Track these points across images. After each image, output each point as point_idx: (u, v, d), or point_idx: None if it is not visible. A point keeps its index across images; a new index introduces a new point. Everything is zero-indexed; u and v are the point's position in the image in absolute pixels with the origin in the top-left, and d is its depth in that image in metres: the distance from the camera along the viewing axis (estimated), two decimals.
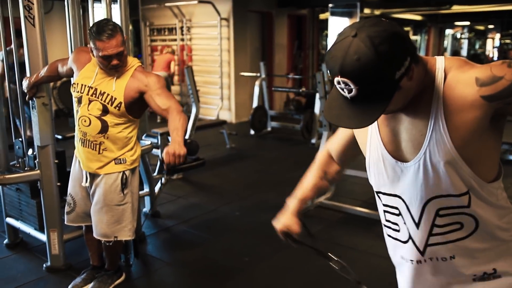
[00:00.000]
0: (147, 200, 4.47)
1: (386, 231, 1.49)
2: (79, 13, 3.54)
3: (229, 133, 7.48)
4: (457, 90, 1.24)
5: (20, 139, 3.51)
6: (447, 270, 1.39)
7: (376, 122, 1.35)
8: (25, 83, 3.10)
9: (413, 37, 18.55)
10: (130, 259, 3.46)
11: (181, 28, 10.06)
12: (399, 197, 1.38)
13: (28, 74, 3.11)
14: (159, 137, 5.08)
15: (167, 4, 9.83)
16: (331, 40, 10.11)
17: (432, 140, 1.26)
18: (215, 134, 7.84)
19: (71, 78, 2.92)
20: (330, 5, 9.72)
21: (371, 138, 1.40)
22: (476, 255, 1.36)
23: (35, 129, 3.18)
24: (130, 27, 4.05)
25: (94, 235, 2.92)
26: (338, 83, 1.17)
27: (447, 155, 1.25)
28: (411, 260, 1.42)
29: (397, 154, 1.34)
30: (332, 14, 9.87)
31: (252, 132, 8.38)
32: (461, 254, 1.36)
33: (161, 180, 4.57)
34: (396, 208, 1.40)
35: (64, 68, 3.00)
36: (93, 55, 2.70)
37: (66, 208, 3.01)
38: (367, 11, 10.20)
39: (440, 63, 1.28)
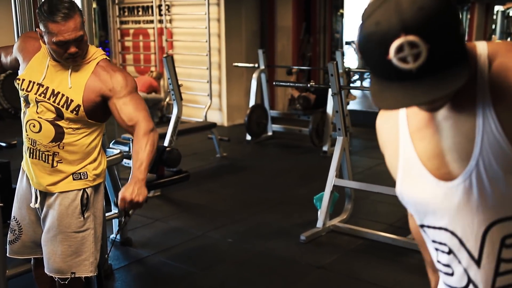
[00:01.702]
0: (115, 223, 4.45)
1: (441, 277, 1.43)
2: None
3: (219, 139, 7.47)
4: (509, 80, 1.21)
5: None
6: None
7: (408, 136, 1.33)
8: None
9: None
10: None
11: (159, 6, 10.08)
12: (446, 229, 1.32)
13: None
14: (131, 144, 5.06)
15: None
16: (348, 21, 10.13)
17: (485, 146, 1.22)
18: (202, 140, 7.85)
19: (18, 71, 2.90)
20: None
21: (404, 157, 1.36)
22: None
23: None
24: (94, 6, 4.03)
25: (46, 270, 2.87)
26: (399, 50, 1.10)
27: (507, 163, 1.21)
28: None
29: (441, 172, 1.29)
30: None
31: (248, 137, 8.38)
32: None
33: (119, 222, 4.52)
34: (445, 244, 1.34)
35: (8, 59, 2.97)
36: (44, 42, 2.67)
37: (9, 236, 2.97)
38: None
39: (482, 48, 1.25)
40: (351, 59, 10.03)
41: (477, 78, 1.23)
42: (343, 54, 9.02)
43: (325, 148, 7.61)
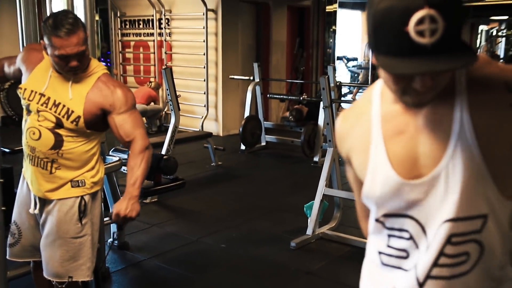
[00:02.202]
0: (113, 228, 4.44)
1: (381, 259, 1.47)
2: (33, 1, 3.53)
3: (215, 148, 7.46)
4: (484, 92, 1.27)
5: None
6: None
7: (381, 140, 1.35)
8: None
9: None
10: None
11: (159, 20, 10.09)
12: (412, 217, 1.36)
13: None
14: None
15: None
16: (340, 37, 10.16)
17: (457, 150, 1.27)
18: (198, 149, 7.84)
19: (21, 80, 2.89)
20: None
21: (374, 161, 1.37)
22: None
23: None
24: (97, 18, 4.04)
25: (45, 274, 2.86)
26: (419, 22, 1.10)
27: (473, 169, 1.26)
28: None
29: (411, 175, 1.33)
30: (341, 6, 9.93)
31: (242, 147, 8.37)
32: None
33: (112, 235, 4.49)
34: (406, 231, 1.38)
35: (12, 69, 2.96)
36: (47, 53, 2.66)
37: (9, 240, 2.95)
38: None
39: None
40: (342, 73, 10.04)
41: (456, 86, 1.28)
42: (334, 69, 9.04)
43: (316, 159, 7.61)
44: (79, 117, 2.67)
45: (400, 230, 1.39)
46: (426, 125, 1.31)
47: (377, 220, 1.44)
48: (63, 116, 2.67)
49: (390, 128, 1.35)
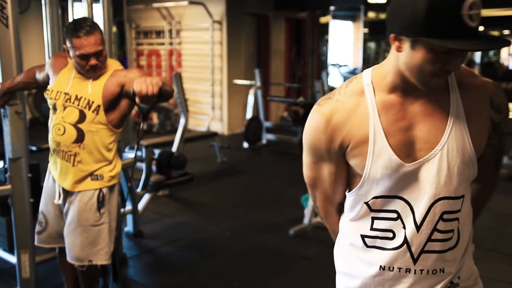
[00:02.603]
0: (129, 218, 4.45)
1: (365, 241, 1.46)
2: (57, 12, 3.55)
3: (220, 146, 7.47)
4: (471, 95, 1.36)
5: None
6: (428, 283, 1.42)
7: (381, 129, 1.35)
8: None
9: None
10: (108, 284, 3.42)
11: (170, 31, 10.09)
12: (401, 198, 1.37)
13: (0, 79, 3.09)
14: (143, 150, 5.06)
15: (155, 5, 9.87)
16: (332, 46, 10.15)
17: (452, 136, 1.32)
18: (205, 147, 7.84)
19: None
20: (332, 7, 9.77)
21: (375, 148, 1.35)
22: (453, 265, 1.42)
23: (7, 139, 3.15)
24: (114, 29, 4.05)
25: (67, 258, 2.88)
26: (471, 7, 1.16)
27: (464, 154, 1.32)
28: (399, 268, 1.41)
29: (409, 158, 1.35)
30: (334, 17, 9.93)
31: (245, 145, 8.38)
32: (449, 266, 1.41)
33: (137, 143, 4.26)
34: (394, 211, 1.39)
35: (42, 75, 2.99)
36: (70, 57, 2.69)
37: (37, 228, 2.98)
38: (371, 14, 10.26)
39: None
40: (335, 78, 10.04)
41: (448, 83, 1.35)
42: (328, 74, 9.05)
43: None
44: (99, 106, 2.71)
45: (387, 211, 1.40)
46: (424, 112, 1.34)
47: (366, 203, 1.42)
48: (85, 107, 2.71)
49: (389, 116, 1.35)
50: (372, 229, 1.44)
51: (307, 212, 4.71)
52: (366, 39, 9.87)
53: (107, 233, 2.87)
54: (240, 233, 4.65)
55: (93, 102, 2.71)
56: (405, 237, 1.38)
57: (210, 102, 9.63)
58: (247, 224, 4.89)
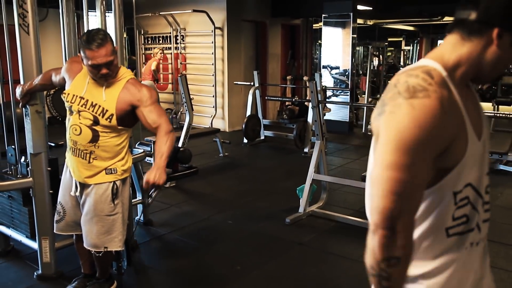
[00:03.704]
0: (139, 208, 4.46)
1: (448, 232, 1.29)
2: (73, 21, 3.54)
3: (222, 142, 7.47)
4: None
5: (12, 146, 3.49)
6: (485, 253, 1.41)
7: (469, 121, 1.24)
8: (18, 91, 3.09)
9: (405, 47, 18.69)
10: (122, 267, 3.44)
11: (176, 36, 10.08)
12: (471, 184, 1.27)
13: (22, 81, 3.10)
14: (152, 145, 5.08)
15: (161, 13, 9.85)
16: (324, 50, 10.14)
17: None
18: (208, 143, 7.84)
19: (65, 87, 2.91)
20: (324, 15, 9.76)
21: (470, 139, 1.24)
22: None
23: (28, 136, 3.17)
24: (125, 36, 4.05)
25: (85, 245, 2.89)
26: None
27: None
28: (471, 244, 1.31)
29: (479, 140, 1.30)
30: (325, 24, 9.91)
31: (245, 140, 8.37)
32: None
33: (143, 205, 4.44)
34: (467, 198, 1.27)
35: (58, 78, 2.99)
36: (84, 64, 2.70)
37: (56, 217, 2.99)
38: (360, 21, 10.25)
39: None
40: (326, 79, 10.03)
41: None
42: (320, 76, 9.04)
43: (306, 150, 7.62)
44: (112, 115, 2.69)
45: (462, 199, 1.27)
46: (475, 101, 1.33)
47: (454, 193, 1.25)
48: (99, 115, 2.69)
49: (468, 108, 1.24)
50: (454, 219, 1.28)
51: (302, 201, 4.72)
52: (355, 43, 9.85)
53: (120, 222, 2.89)
54: (241, 221, 4.66)
55: (107, 110, 2.70)
56: (477, 222, 1.30)
57: (212, 101, 9.63)
58: (247, 213, 4.90)
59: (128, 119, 2.79)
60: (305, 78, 9.00)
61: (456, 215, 1.27)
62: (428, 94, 1.17)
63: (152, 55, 9.76)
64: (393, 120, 1.16)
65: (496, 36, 1.20)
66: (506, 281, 3.40)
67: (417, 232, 1.28)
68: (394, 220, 1.14)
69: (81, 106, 2.72)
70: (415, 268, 1.30)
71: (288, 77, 9.73)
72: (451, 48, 1.26)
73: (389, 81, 1.38)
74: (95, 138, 2.73)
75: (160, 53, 9.48)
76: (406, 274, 1.20)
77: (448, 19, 12.66)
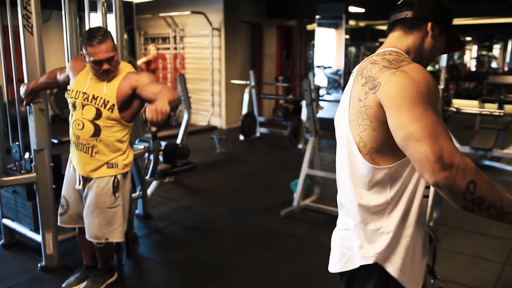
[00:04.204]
0: (139, 202, 4.46)
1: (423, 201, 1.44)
2: (76, 22, 3.54)
3: (219, 139, 7.48)
4: None
5: (17, 143, 3.50)
6: None
7: None
8: (22, 89, 3.09)
9: None
10: (122, 259, 3.45)
11: (174, 37, 10.06)
12: None
13: (26, 80, 3.11)
14: (151, 142, 5.07)
15: (161, 14, 9.84)
16: (318, 50, 10.16)
17: None
18: (206, 139, 7.84)
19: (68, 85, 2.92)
20: (317, 16, 9.76)
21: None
22: None
23: (32, 133, 3.17)
24: (125, 36, 4.05)
25: (86, 236, 2.90)
26: None
27: None
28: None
29: None
30: (319, 25, 9.92)
31: (241, 137, 8.39)
32: None
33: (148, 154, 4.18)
34: None
35: (62, 76, 3.00)
36: (86, 61, 2.71)
37: (60, 210, 3.00)
38: (352, 22, 10.25)
39: None
40: (320, 78, 10.05)
41: None
42: (314, 75, 9.04)
43: (300, 146, 7.64)
44: (113, 105, 2.71)
45: None
46: None
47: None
48: (101, 106, 2.71)
49: None
50: (426, 187, 1.46)
51: (296, 195, 4.74)
52: (347, 44, 9.87)
53: (121, 214, 2.90)
54: (237, 214, 4.68)
55: (108, 101, 2.71)
56: None
57: (210, 100, 9.63)
58: (243, 206, 4.91)
59: (130, 109, 2.79)
60: (290, 96, 8.74)
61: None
62: (410, 62, 1.38)
63: (144, 54, 9.67)
64: (393, 86, 1.30)
65: (430, 28, 1.48)
66: (490, 270, 3.43)
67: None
68: (446, 157, 1.18)
69: (84, 100, 2.74)
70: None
71: (280, 78, 9.75)
72: (399, 40, 1.50)
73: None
74: (97, 132, 2.74)
75: (154, 50, 9.31)
76: (487, 183, 1.21)
77: None
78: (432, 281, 1.61)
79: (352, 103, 1.43)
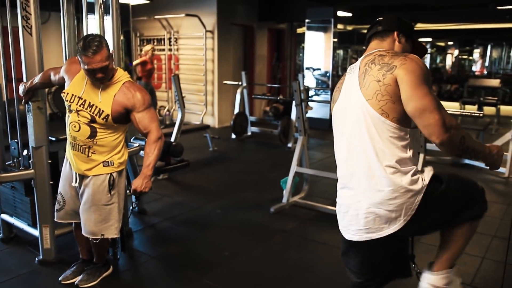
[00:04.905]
0: (134, 198, 4.43)
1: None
2: (74, 24, 3.52)
3: (212, 137, 7.46)
4: None
5: (16, 140, 3.46)
6: None
7: None
8: (21, 88, 3.06)
9: None
10: (117, 253, 3.43)
11: (169, 39, 10.02)
12: None
13: (24, 80, 3.08)
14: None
15: (156, 17, 9.80)
16: (307, 52, 10.17)
17: None
18: (199, 138, 7.82)
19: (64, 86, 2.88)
20: (307, 20, 9.78)
21: None
22: None
23: (30, 131, 3.14)
24: (122, 38, 4.02)
25: (83, 232, 2.88)
26: None
27: None
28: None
29: None
30: (308, 28, 9.92)
31: (233, 136, 8.38)
32: None
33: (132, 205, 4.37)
34: None
35: (56, 77, 2.96)
36: (81, 67, 2.67)
37: (56, 206, 2.97)
38: (340, 26, 10.28)
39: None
40: (309, 80, 10.06)
41: None
42: (303, 76, 9.06)
43: (289, 145, 7.65)
44: (108, 115, 2.67)
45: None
46: None
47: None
48: (96, 115, 2.68)
49: None
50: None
51: (286, 192, 4.74)
52: (335, 47, 9.88)
53: (116, 211, 2.88)
54: (229, 210, 4.67)
55: (103, 111, 2.67)
56: None
57: (203, 99, 9.61)
58: (234, 202, 4.90)
59: (123, 118, 2.77)
60: (280, 97, 8.60)
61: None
62: (409, 53, 1.82)
63: (140, 55, 9.60)
64: (408, 67, 1.70)
65: (396, 36, 1.96)
66: (470, 264, 3.45)
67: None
68: (447, 122, 1.64)
69: (79, 106, 2.70)
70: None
71: (268, 94, 9.71)
72: (378, 46, 1.96)
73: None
74: (93, 134, 2.72)
75: (150, 51, 8.92)
76: (469, 136, 1.71)
77: (421, 25, 12.76)
78: (413, 265, 2.11)
79: (368, 86, 1.77)
